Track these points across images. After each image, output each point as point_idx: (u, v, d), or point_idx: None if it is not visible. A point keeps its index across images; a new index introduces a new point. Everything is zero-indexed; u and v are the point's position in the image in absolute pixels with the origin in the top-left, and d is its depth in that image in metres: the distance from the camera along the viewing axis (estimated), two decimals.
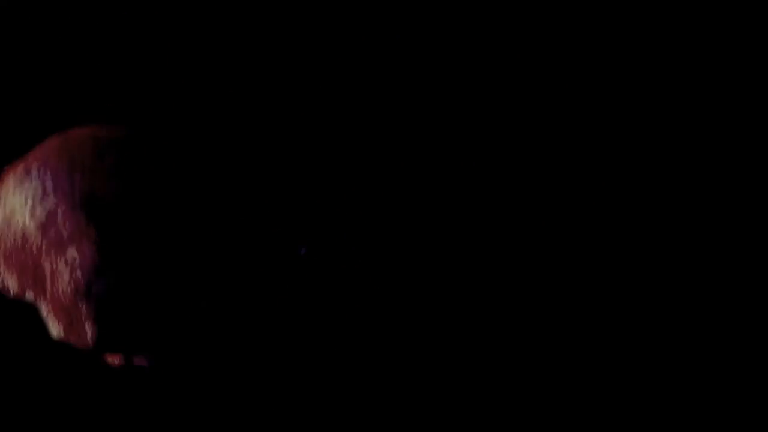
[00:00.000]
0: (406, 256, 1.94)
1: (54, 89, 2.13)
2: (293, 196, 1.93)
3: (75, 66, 2.16)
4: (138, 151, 1.80)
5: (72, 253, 1.78)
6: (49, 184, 1.79)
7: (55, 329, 1.83)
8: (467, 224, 1.99)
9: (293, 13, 2.22)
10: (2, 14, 2.19)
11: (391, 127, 2.11)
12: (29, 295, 1.84)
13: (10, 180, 1.82)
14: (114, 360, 1.82)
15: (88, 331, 1.80)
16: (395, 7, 2.21)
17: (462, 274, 1.90)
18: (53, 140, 1.82)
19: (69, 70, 2.16)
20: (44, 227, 1.78)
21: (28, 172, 1.81)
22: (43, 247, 1.79)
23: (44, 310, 1.83)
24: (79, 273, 1.78)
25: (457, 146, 2.09)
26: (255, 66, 2.19)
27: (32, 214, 1.79)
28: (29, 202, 1.80)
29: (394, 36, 2.04)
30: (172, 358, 1.82)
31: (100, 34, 2.19)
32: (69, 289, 1.79)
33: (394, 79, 2.16)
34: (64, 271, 1.79)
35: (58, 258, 1.79)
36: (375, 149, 2.07)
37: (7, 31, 2.16)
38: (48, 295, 1.81)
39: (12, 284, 1.84)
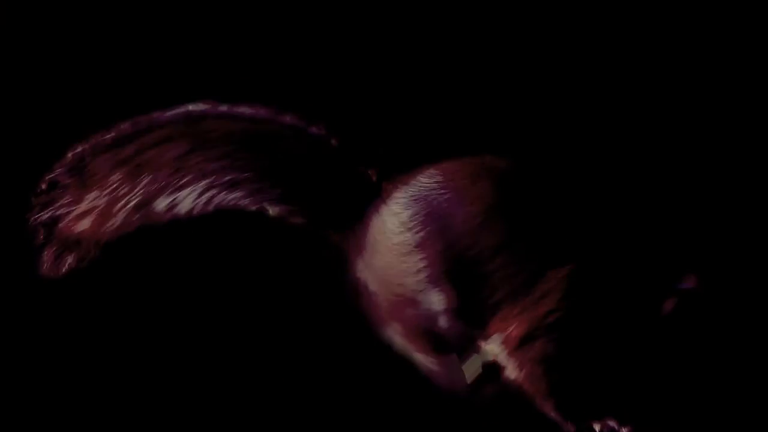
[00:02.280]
0: None
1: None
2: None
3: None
4: (516, 183, 1.80)
5: (433, 296, 1.79)
6: (423, 194, 1.81)
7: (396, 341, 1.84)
8: None
9: None
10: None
11: None
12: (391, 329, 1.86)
13: (393, 199, 1.84)
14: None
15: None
16: None
17: None
18: (458, 160, 1.84)
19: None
20: (404, 229, 1.80)
21: (416, 179, 1.84)
22: (395, 248, 1.81)
23: (396, 336, 1.84)
24: (433, 306, 1.79)
25: None
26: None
27: (398, 214, 1.82)
28: (401, 204, 1.82)
29: None
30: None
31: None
32: (406, 292, 1.79)
33: None
34: (431, 303, 1.79)
35: (405, 261, 1.79)
36: None
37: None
38: (401, 321, 1.81)
39: (381, 303, 1.85)
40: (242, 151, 1.93)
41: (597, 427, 1.80)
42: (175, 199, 1.91)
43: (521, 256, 1.78)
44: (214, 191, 1.92)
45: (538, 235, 1.80)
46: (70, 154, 1.94)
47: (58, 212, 1.93)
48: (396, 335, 1.86)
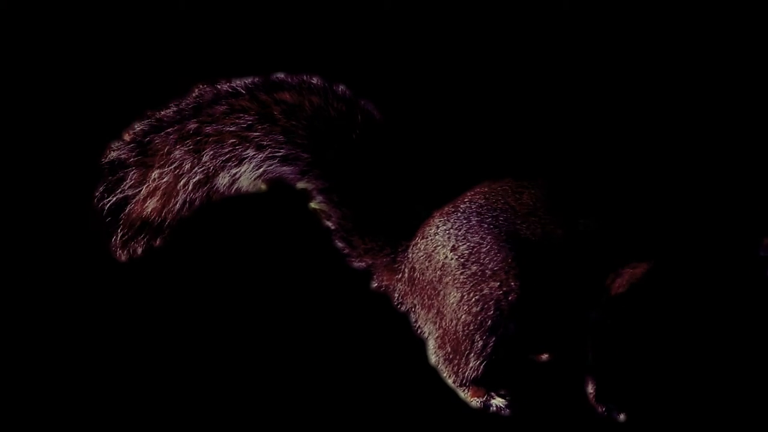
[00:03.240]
0: None
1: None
2: None
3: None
4: (553, 191, 1.79)
5: (490, 288, 1.76)
6: (474, 220, 1.79)
7: (435, 356, 1.83)
8: None
9: None
10: None
11: None
12: (427, 328, 1.84)
13: (437, 218, 1.83)
14: (478, 399, 1.81)
15: (472, 366, 1.78)
16: None
17: None
18: (481, 185, 1.84)
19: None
20: (465, 261, 1.77)
21: (455, 209, 1.82)
22: (459, 280, 1.77)
23: (433, 337, 1.82)
24: (491, 309, 1.76)
25: None
26: None
27: (455, 248, 1.79)
28: (453, 236, 1.79)
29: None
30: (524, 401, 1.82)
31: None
32: (472, 322, 1.77)
33: None
34: (475, 305, 1.77)
35: (473, 291, 1.77)
36: None
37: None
38: (443, 324, 1.79)
39: (419, 316, 1.84)
40: (304, 131, 1.90)
41: (600, 408, 1.83)
42: (235, 174, 1.89)
43: (594, 243, 1.79)
44: (267, 164, 1.90)
45: (605, 221, 1.81)
46: (132, 130, 1.86)
47: (124, 194, 1.86)
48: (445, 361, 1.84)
